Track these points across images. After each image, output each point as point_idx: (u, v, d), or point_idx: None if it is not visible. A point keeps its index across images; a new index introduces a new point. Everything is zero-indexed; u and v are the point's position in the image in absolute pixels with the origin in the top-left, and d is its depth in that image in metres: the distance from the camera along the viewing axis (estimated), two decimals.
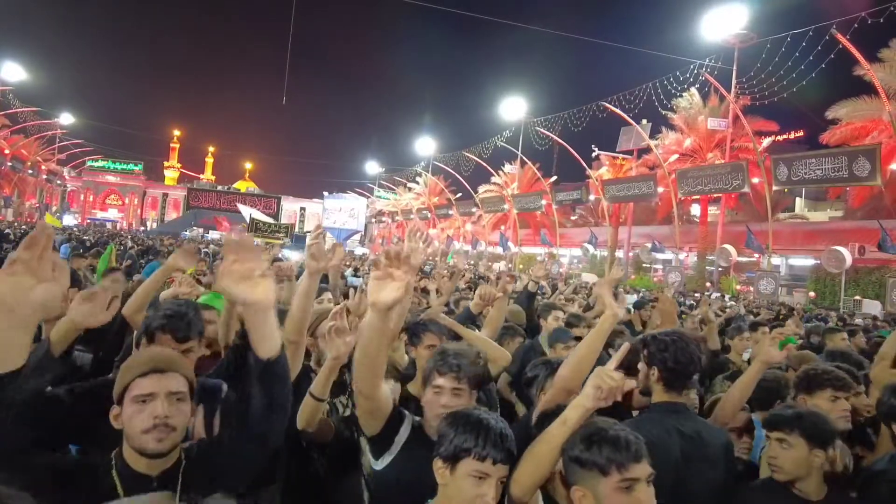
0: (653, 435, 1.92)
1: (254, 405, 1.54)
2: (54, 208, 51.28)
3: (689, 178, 26.09)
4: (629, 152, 33.05)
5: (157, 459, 1.55)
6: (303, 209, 62.87)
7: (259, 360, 1.48)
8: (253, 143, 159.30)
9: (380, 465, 1.99)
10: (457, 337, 2.99)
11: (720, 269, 26.10)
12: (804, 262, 27.37)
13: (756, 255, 25.19)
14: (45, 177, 55.96)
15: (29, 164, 50.45)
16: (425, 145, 51.09)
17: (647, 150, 30.98)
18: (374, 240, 65.58)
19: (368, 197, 65.19)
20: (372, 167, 64.39)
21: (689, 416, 2.34)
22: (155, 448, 1.51)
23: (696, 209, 34.09)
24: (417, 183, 56.41)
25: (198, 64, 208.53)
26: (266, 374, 1.50)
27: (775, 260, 25.68)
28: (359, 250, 48.79)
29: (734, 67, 24.47)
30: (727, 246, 25.11)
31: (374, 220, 66.00)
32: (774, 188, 22.71)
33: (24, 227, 27.86)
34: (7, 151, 45.64)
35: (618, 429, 1.60)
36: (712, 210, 31.32)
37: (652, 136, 30.93)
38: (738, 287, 25.19)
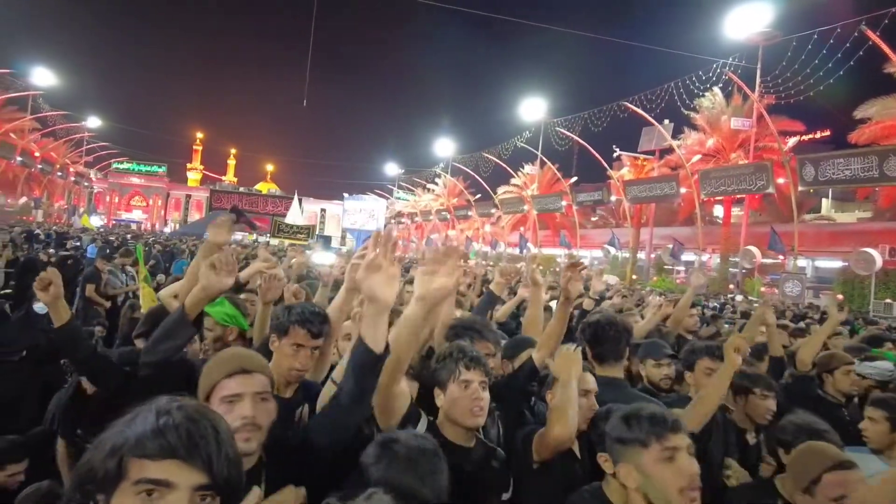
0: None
1: (345, 395, 1.65)
2: (82, 209, 52.29)
3: (712, 178, 25.75)
4: (651, 153, 32.72)
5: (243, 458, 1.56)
6: (323, 210, 63.29)
7: (370, 352, 1.57)
8: (274, 146, 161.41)
9: None
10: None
11: (744, 270, 25.69)
12: (831, 264, 26.82)
13: (781, 257, 24.75)
14: (72, 179, 57.19)
15: (58, 166, 51.60)
16: (444, 146, 51.18)
17: (669, 150, 30.65)
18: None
19: (388, 198, 65.45)
20: (391, 168, 64.71)
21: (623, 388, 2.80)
22: (243, 448, 1.50)
23: (718, 210, 33.62)
24: (437, 184, 56.49)
25: (220, 67, 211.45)
26: (369, 367, 1.61)
27: (801, 262, 25.20)
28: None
29: (758, 66, 24.09)
30: (751, 247, 24.70)
31: (393, 221, 66.24)
32: (800, 189, 22.30)
33: (53, 227, 28.49)
34: (37, 154, 46.71)
35: (652, 406, 1.75)
36: (735, 211, 30.86)
37: (674, 136, 30.59)
38: (763, 289, 24.77)
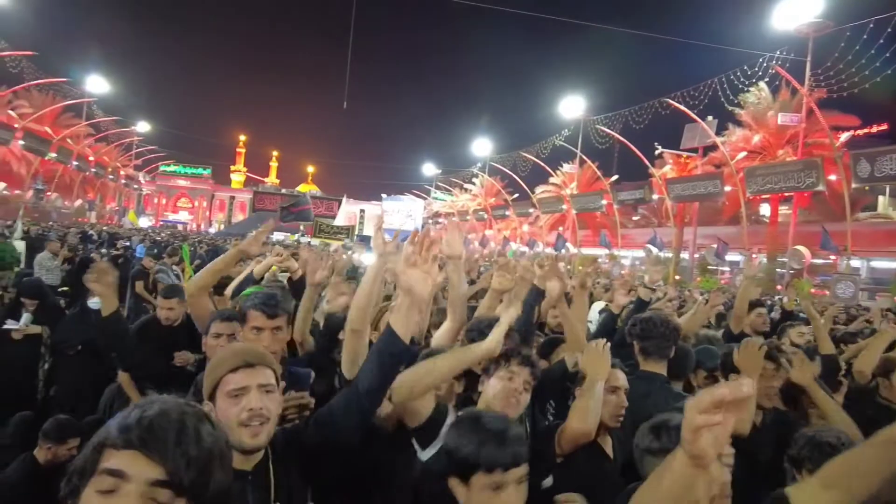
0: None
1: (364, 380, 1.68)
2: (131, 210, 54.40)
3: (758, 176, 24.95)
4: (694, 150, 31.91)
5: (252, 455, 1.58)
6: (362, 211, 64.06)
7: (399, 341, 1.64)
8: (315, 147, 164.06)
9: (426, 455, 2.05)
10: None
11: (792, 271, 24.81)
12: (888, 264, 25.64)
13: (833, 258, 23.79)
14: (123, 181, 59.47)
15: (109, 169, 53.75)
16: (482, 146, 51.06)
17: (713, 147, 29.83)
18: None
19: (425, 198, 65.74)
20: (429, 169, 64.95)
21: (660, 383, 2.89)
22: (251, 443, 1.54)
23: (765, 209, 32.55)
24: (474, 184, 56.43)
25: (262, 72, 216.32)
26: (396, 355, 1.67)
27: (855, 262, 24.16)
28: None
29: (808, 59, 23.18)
30: (800, 247, 23.85)
31: (430, 221, 66.53)
32: (854, 186, 21.37)
33: (104, 228, 29.70)
34: (91, 158, 48.76)
35: (680, 416, 1.64)
36: (783, 210, 29.82)
37: (718, 132, 29.75)
38: (813, 290, 23.87)
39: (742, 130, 29.98)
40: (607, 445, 2.37)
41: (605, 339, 2.42)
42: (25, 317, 4.96)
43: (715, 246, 26.36)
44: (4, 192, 41.56)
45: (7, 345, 5.02)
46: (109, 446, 0.90)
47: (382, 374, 1.68)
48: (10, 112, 39.43)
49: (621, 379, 2.43)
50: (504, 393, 2.13)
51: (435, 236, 1.77)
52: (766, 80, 26.31)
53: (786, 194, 25.72)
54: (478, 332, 2.68)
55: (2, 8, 27.82)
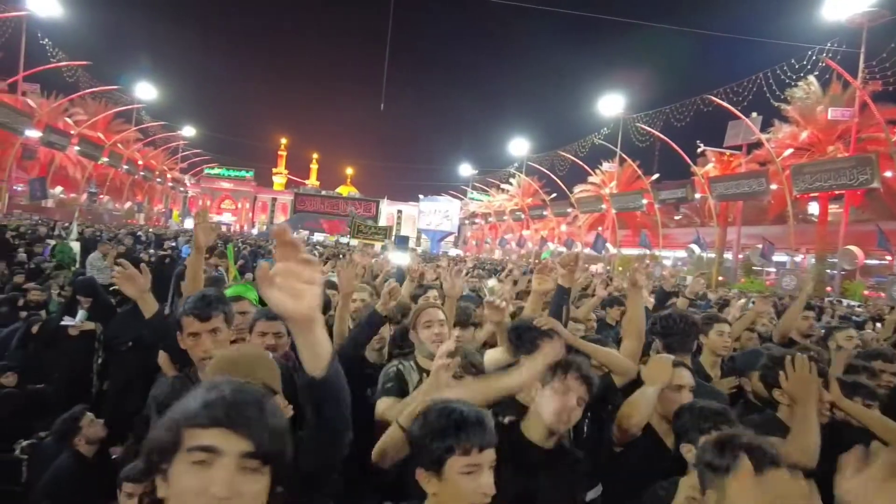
0: None
1: (306, 426, 1.44)
2: (176, 212, 56.19)
3: (806, 173, 24.06)
4: (738, 147, 31.01)
5: None
6: (399, 212, 64.55)
7: (305, 376, 1.30)
8: (353, 149, 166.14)
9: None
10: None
11: (843, 272, 23.85)
12: None
13: (888, 258, 22.77)
14: (170, 184, 61.49)
15: (157, 173, 55.69)
16: (519, 146, 50.77)
17: (758, 144, 28.92)
18: (467, 241, 66.07)
19: (462, 199, 65.78)
20: (465, 169, 64.97)
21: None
22: None
23: (813, 207, 31.37)
24: (511, 184, 56.19)
25: (302, 77, 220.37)
26: (314, 392, 1.33)
27: None
28: (452, 251, 49.44)
29: (861, 50, 22.23)
30: (851, 247, 22.92)
31: (467, 221, 66.52)
32: None
33: (151, 230, 30.82)
34: (140, 162, 50.62)
35: (749, 434, 1.65)
36: (833, 208, 28.67)
37: (763, 129, 28.82)
38: (866, 292, 22.89)
39: (789, 127, 28.97)
40: (669, 439, 2.39)
41: (671, 355, 2.53)
42: (81, 314, 5.22)
43: (760, 246, 25.56)
44: (62, 196, 43.53)
45: (65, 341, 5.30)
46: (194, 426, 0.99)
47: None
48: (67, 119, 41.28)
49: (686, 377, 2.49)
50: (556, 408, 2.07)
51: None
52: (816, 73, 25.36)
53: (836, 192, 24.73)
54: (515, 334, 2.72)
55: (59, 21, 29.14)
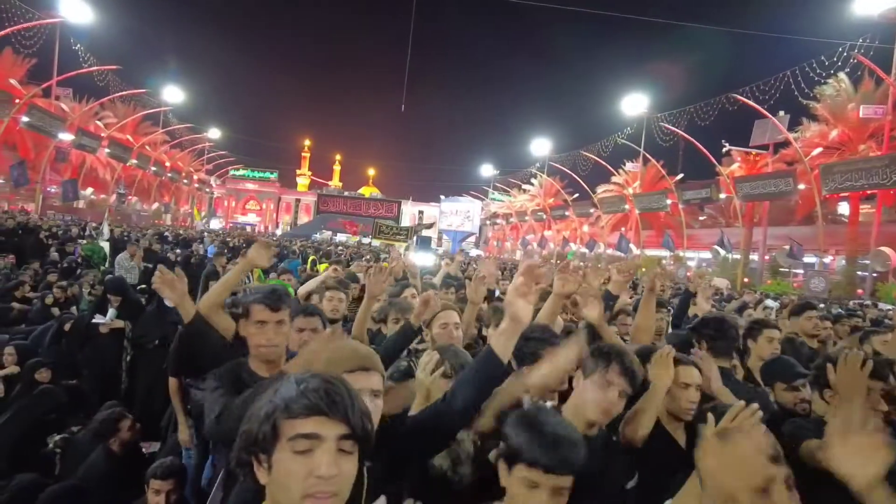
0: None
1: (460, 400, 1.73)
2: (203, 213, 57.12)
3: (836, 173, 23.50)
4: (764, 147, 30.44)
5: None
6: (421, 212, 64.72)
7: (500, 363, 1.72)
8: (375, 151, 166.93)
9: None
10: None
11: (875, 274, 23.26)
12: None
13: None
14: (196, 185, 62.54)
15: (183, 174, 56.69)
16: (541, 146, 50.53)
17: (785, 143, 28.36)
18: (488, 242, 65.95)
19: (483, 199, 65.71)
20: (487, 170, 64.90)
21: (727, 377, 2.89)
22: None
23: (843, 207, 30.64)
24: (532, 184, 55.95)
25: (325, 79, 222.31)
26: (494, 378, 1.75)
27: None
28: (473, 252, 49.42)
29: (895, 46, 21.68)
30: (884, 248, 22.32)
31: (488, 222, 66.42)
32: None
33: (179, 230, 31.43)
34: (167, 164, 51.61)
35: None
36: (865, 208, 27.97)
37: (790, 128, 28.26)
38: None
39: (818, 125, 28.34)
40: (680, 436, 2.40)
41: (671, 348, 2.45)
42: (111, 312, 5.38)
43: (788, 246, 25.07)
44: (92, 197, 44.62)
45: (96, 338, 5.46)
46: (291, 417, 1.09)
47: (480, 394, 1.75)
48: (98, 122, 42.31)
49: (694, 376, 2.47)
50: (597, 402, 2.06)
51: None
52: (846, 70, 24.77)
53: (868, 192, 24.12)
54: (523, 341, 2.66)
55: (91, 28, 29.92)
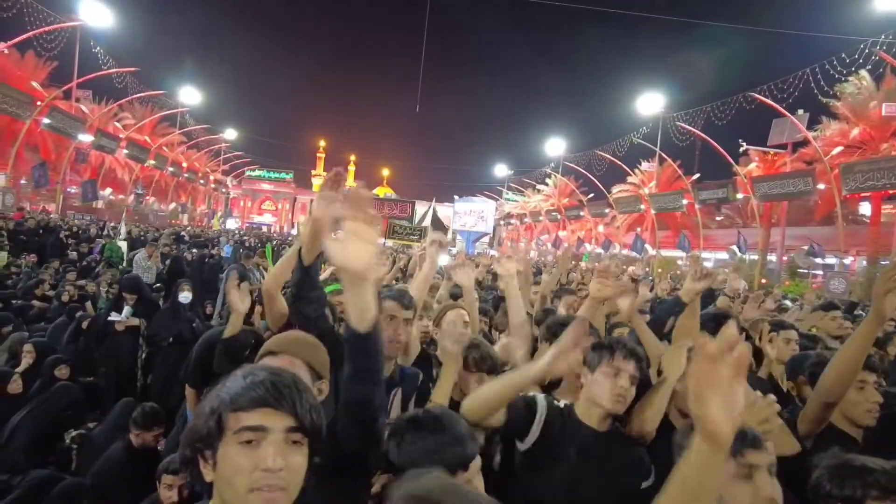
0: None
1: (343, 384, 1.54)
2: (219, 213, 57.66)
3: (857, 172, 23.06)
4: (782, 146, 29.99)
5: None
6: (435, 212, 64.79)
7: (349, 329, 1.41)
8: (389, 151, 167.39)
9: (525, 445, 2.10)
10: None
11: None
12: None
13: None
14: (212, 186, 63.17)
15: (200, 174, 57.30)
16: (555, 146, 50.27)
17: (804, 142, 27.93)
18: (502, 242, 65.83)
19: (497, 199, 65.56)
20: (501, 170, 64.70)
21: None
22: None
23: (865, 207, 30.10)
24: (547, 184, 55.70)
25: (340, 81, 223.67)
26: (354, 344, 1.43)
27: None
28: (489, 252, 49.21)
29: None
30: None
31: (502, 222, 66.27)
32: None
33: (197, 230, 31.78)
34: (184, 164, 52.20)
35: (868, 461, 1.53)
36: (888, 208, 27.46)
37: (809, 127, 27.81)
38: None
39: (838, 124, 27.88)
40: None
41: (689, 344, 2.42)
42: (126, 310, 5.45)
43: (806, 247, 24.68)
44: (111, 197, 45.27)
45: (111, 336, 5.54)
46: (237, 410, 1.07)
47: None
48: (116, 123, 42.90)
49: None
50: (611, 392, 2.07)
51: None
52: (868, 67, 24.30)
53: (890, 192, 23.66)
54: (550, 331, 2.71)
55: (110, 30, 30.32)
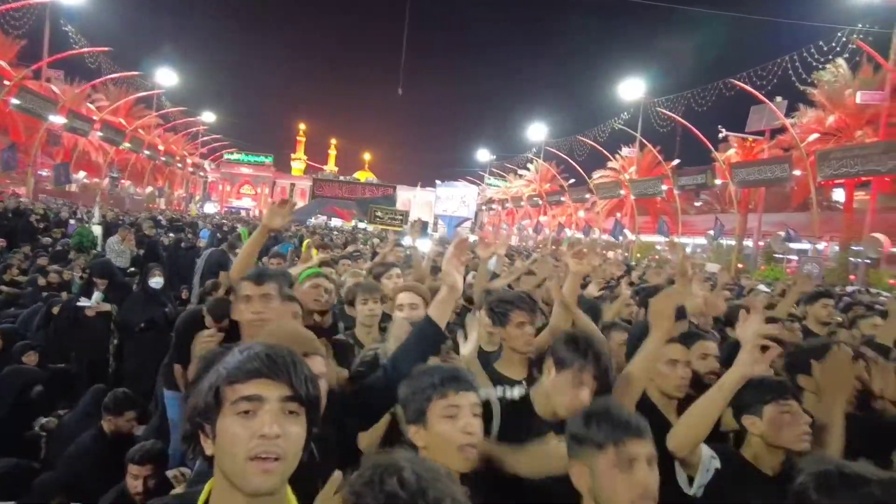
0: None
1: (405, 363, 1.93)
2: (197, 197, 56.79)
3: (832, 159, 23.43)
4: (760, 133, 30.35)
5: None
6: (416, 197, 64.53)
7: (437, 327, 1.96)
8: (371, 135, 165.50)
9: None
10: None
11: (867, 261, 23.32)
12: None
13: None
14: (190, 169, 62.08)
15: (177, 158, 56.24)
16: (537, 131, 50.25)
17: (782, 129, 28.27)
18: (483, 227, 65.90)
19: (479, 185, 65.51)
20: (483, 155, 64.60)
21: None
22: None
23: (839, 194, 30.65)
24: (528, 170, 55.76)
25: (320, 62, 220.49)
26: (434, 342, 2.01)
27: None
28: (470, 238, 49.28)
29: (894, 31, 21.50)
30: (877, 235, 22.37)
31: (484, 207, 66.31)
32: None
33: (175, 214, 31.26)
34: (161, 147, 51.17)
35: (618, 407, 1.62)
36: (860, 195, 28.00)
37: (787, 114, 28.13)
38: (892, 281, 22.39)
39: (815, 111, 28.25)
40: (672, 416, 2.36)
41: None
42: (96, 295, 5.33)
43: (782, 233, 25.11)
44: (85, 181, 44.26)
45: (82, 321, 5.41)
46: (233, 382, 1.10)
47: (422, 359, 1.88)
48: (90, 105, 41.80)
49: (680, 352, 2.44)
50: (568, 403, 2.00)
51: (470, 246, 2.02)
52: (845, 56, 24.58)
53: (863, 179, 24.10)
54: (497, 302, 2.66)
55: (82, 8, 29.38)
